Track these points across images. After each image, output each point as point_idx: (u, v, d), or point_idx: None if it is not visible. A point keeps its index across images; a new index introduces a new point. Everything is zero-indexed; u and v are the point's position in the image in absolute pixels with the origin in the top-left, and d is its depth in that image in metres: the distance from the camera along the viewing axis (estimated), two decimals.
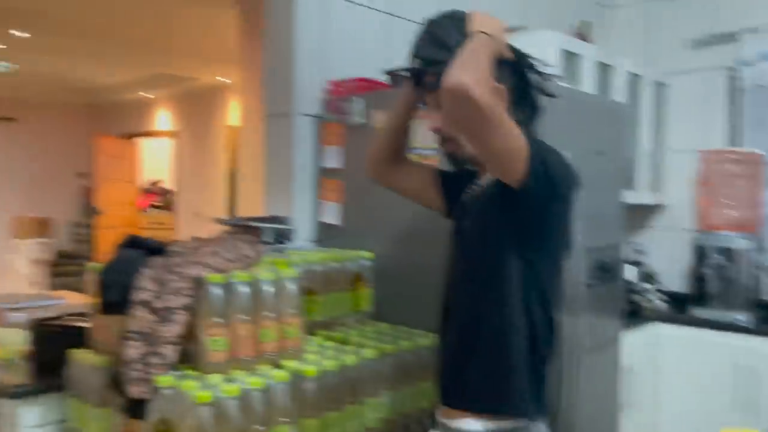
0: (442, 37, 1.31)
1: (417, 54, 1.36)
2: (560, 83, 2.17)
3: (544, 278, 1.33)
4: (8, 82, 7.12)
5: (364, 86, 2.24)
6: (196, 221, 7.72)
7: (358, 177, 2.14)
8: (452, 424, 1.36)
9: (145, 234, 7.93)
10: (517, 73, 1.36)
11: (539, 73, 1.41)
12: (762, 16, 3.23)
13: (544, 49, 2.64)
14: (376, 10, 2.52)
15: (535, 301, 1.31)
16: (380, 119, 1.61)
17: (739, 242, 3.05)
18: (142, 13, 4.82)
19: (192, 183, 7.96)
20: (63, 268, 8.29)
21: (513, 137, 1.16)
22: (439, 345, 1.50)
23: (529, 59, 1.39)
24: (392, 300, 2.05)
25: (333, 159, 2.23)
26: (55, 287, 7.95)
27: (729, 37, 3.35)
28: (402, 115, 1.55)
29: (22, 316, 2.24)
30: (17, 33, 5.35)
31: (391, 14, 2.58)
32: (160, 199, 8.97)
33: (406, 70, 1.41)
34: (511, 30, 1.42)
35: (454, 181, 1.55)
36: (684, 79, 3.54)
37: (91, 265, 1.61)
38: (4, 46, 5.79)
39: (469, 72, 1.10)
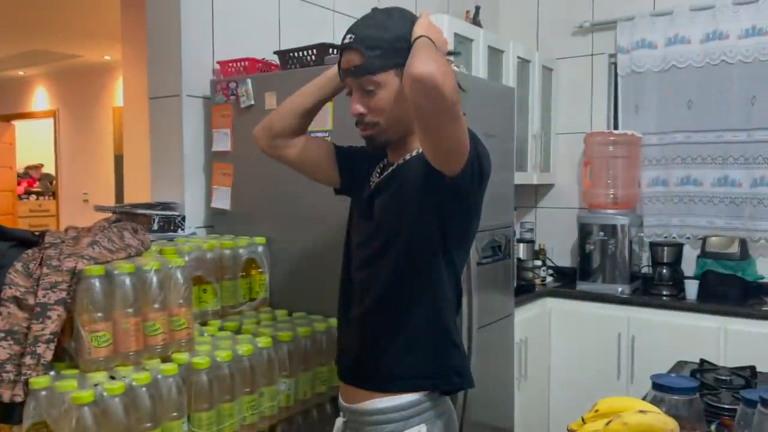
0: (385, 24, 1.30)
1: (356, 34, 1.31)
2: (453, 67, 2.20)
3: (456, 259, 1.37)
4: None
5: (254, 67, 2.17)
6: (82, 208, 7.27)
7: (249, 160, 2.08)
8: (360, 406, 1.35)
9: (25, 223, 7.44)
10: None
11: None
12: (638, 6, 3.43)
13: None
14: None
15: (446, 279, 1.34)
16: (291, 97, 1.53)
17: (618, 219, 3.25)
18: None
19: (76, 167, 7.48)
20: None
21: (464, 131, 1.20)
22: (340, 327, 1.48)
23: (454, 62, 1.45)
24: (289, 286, 2.02)
25: (222, 142, 2.15)
26: None
27: (608, 25, 3.54)
28: (321, 96, 1.51)
29: None
30: None
31: None
32: (39, 184, 8.38)
33: (341, 46, 1.34)
34: (451, 53, 1.48)
35: (350, 157, 1.55)
36: (570, 64, 3.71)
37: None
38: None
39: (437, 64, 1.11)
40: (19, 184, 8.12)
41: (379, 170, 1.46)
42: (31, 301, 1.34)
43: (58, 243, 1.46)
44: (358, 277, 1.41)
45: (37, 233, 1.52)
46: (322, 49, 2.03)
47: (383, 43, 1.28)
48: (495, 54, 3.11)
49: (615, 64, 3.55)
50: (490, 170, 1.35)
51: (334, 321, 1.74)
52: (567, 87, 3.73)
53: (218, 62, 2.24)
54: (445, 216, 1.30)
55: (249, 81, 2.09)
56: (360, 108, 1.34)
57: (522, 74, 3.36)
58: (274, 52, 2.19)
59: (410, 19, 1.32)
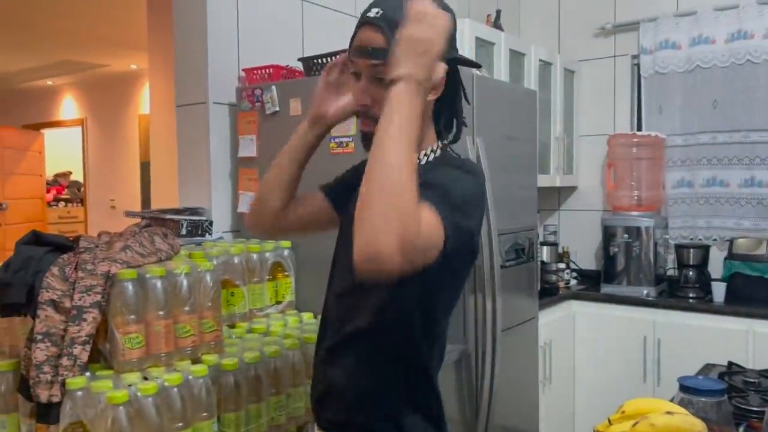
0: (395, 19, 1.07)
1: (384, 10, 1.10)
2: (474, 71, 2.22)
3: (440, 298, 1.17)
4: None
5: (279, 74, 2.21)
6: (109, 214, 7.41)
7: None
8: None
9: (54, 229, 7.58)
10: (452, 78, 1.16)
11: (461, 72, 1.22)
12: (661, 6, 3.41)
13: (457, 37, 2.69)
14: None
15: (424, 316, 1.15)
16: (268, 175, 1.33)
17: (643, 221, 3.23)
18: None
19: (103, 174, 7.62)
20: None
21: (433, 242, 0.95)
22: (317, 352, 1.27)
23: (462, 59, 1.20)
24: (315, 289, 2.04)
25: (248, 148, 2.19)
26: None
27: (631, 26, 3.52)
28: (301, 161, 1.32)
29: None
30: None
31: (304, 0, 2.55)
32: (68, 191, 8.55)
33: (363, 20, 1.12)
34: (472, 64, 1.25)
35: (342, 186, 1.35)
36: (592, 66, 3.70)
37: None
38: None
39: (393, 225, 0.85)
40: (48, 191, 8.29)
41: None
42: (67, 304, 1.38)
43: (92, 248, 1.51)
44: (340, 303, 1.22)
45: (71, 238, 1.56)
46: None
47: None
48: (516, 57, 3.12)
49: (638, 65, 3.53)
50: (483, 212, 1.16)
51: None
52: (589, 89, 3.71)
53: (243, 70, 2.28)
54: (429, 284, 1.10)
55: (274, 88, 2.12)
56: (367, 98, 1.13)
57: (544, 77, 3.36)
58: (299, 59, 2.22)
59: (444, 6, 1.11)
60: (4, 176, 7.43)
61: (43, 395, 1.33)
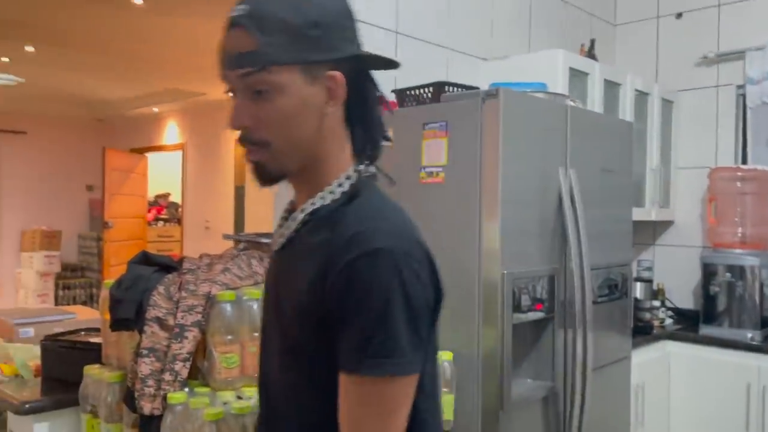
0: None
1: (251, 5, 0.88)
2: (568, 102, 2.19)
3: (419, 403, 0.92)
4: (17, 96, 7.20)
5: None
6: (203, 234, 7.75)
7: None
8: None
9: (153, 247, 8.02)
10: (356, 80, 0.94)
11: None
12: (767, 35, 3.25)
13: (551, 67, 2.67)
14: (384, 28, 2.55)
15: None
16: None
17: (748, 260, 3.04)
18: (149, 28, 4.88)
19: (199, 196, 8.02)
20: (69, 281, 8.33)
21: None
22: None
23: (366, 56, 0.95)
24: None
25: None
26: (61, 300, 7.99)
27: (736, 55, 3.37)
28: None
29: (32, 332, 2.26)
30: (23, 47, 5.42)
31: (399, 33, 2.61)
32: (167, 212, 9.03)
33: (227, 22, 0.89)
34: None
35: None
36: (692, 96, 3.55)
37: (105, 281, 1.63)
38: (7, 59, 5.87)
39: None
40: (149, 211, 8.80)
41: (284, 218, 1.00)
42: (171, 321, 1.45)
43: (194, 269, 1.59)
44: (272, 380, 0.99)
45: (176, 259, 1.65)
46: (439, 87, 2.08)
47: (290, 25, 0.86)
48: (611, 87, 3.05)
49: (743, 95, 3.37)
50: (437, 308, 0.92)
51: (444, 354, 1.74)
52: (689, 120, 3.56)
53: None
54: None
55: None
56: (244, 118, 0.90)
57: (640, 107, 3.26)
58: (392, 91, 2.27)
59: None
60: (110, 196, 7.96)
61: (146, 408, 1.40)
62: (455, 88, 2.10)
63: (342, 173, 0.95)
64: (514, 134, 1.84)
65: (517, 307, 1.84)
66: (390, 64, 0.97)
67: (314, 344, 0.88)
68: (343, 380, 0.84)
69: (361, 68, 0.95)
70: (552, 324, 2.01)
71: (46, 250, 8.10)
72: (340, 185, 0.94)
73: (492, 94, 1.81)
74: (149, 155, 8.75)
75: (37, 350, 1.89)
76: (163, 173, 9.00)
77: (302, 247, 0.94)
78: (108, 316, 1.56)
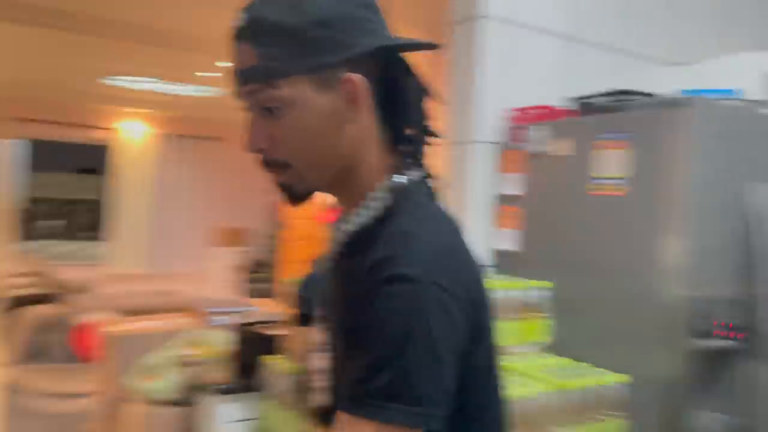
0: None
1: (251, 14, 0.81)
2: (764, 109, 1.99)
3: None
4: (217, 106, 7.97)
5: (546, 114, 2.22)
6: None
7: (539, 204, 2.13)
8: None
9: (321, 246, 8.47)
10: (387, 72, 0.85)
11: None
12: None
13: (744, 73, 2.44)
14: (557, 35, 2.49)
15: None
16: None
17: None
18: None
19: None
20: (255, 275, 9.08)
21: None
22: None
23: (396, 44, 0.85)
24: (573, 334, 1.99)
25: (512, 186, 2.23)
26: (248, 293, 8.74)
27: None
28: None
29: (224, 320, 2.51)
30: (224, 62, 6.02)
31: (572, 38, 2.53)
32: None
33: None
34: None
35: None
36: None
37: (288, 278, 1.76)
38: (213, 74, 6.53)
39: None
40: (324, 213, 9.31)
41: (324, 266, 0.97)
42: None
43: None
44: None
45: None
46: (619, 95, 2.00)
47: (289, 29, 0.78)
48: None
49: None
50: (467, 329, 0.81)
51: (619, 377, 1.67)
52: None
53: (510, 109, 2.34)
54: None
55: (543, 128, 2.14)
56: (259, 140, 0.83)
57: None
58: (574, 99, 2.21)
59: None
60: None
61: (318, 400, 1.50)
62: (638, 96, 2.00)
63: (378, 183, 0.85)
64: (706, 146, 1.73)
65: (700, 333, 1.71)
66: (427, 46, 0.85)
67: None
68: (338, 415, 0.75)
69: (393, 60, 0.85)
70: (740, 353, 1.84)
71: (233, 246, 8.90)
72: (376, 199, 0.85)
73: (684, 102, 1.71)
74: None
75: (229, 337, 2.09)
76: None
77: (342, 271, 0.89)
78: (290, 311, 1.69)
